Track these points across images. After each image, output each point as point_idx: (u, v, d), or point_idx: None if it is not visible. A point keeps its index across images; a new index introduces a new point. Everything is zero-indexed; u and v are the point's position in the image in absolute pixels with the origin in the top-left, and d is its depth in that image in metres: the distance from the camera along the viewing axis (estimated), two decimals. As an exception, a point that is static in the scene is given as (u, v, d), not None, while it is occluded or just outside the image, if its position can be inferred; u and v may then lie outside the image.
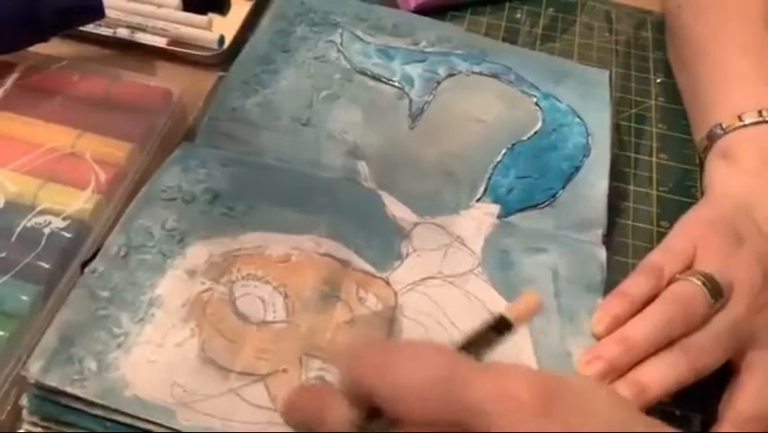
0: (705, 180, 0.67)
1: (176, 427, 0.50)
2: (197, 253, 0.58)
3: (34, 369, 0.51)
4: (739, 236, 0.58)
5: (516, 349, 0.56)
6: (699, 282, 0.54)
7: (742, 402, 0.54)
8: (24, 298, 0.55)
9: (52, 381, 0.51)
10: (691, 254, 0.57)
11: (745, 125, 0.66)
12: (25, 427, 0.52)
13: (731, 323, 0.54)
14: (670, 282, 0.56)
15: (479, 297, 0.58)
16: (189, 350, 0.53)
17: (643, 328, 0.53)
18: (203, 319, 0.55)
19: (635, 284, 0.57)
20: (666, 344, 0.53)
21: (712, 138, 0.67)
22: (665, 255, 0.58)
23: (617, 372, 0.53)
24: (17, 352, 0.53)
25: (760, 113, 0.65)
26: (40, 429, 0.52)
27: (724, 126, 0.67)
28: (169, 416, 0.50)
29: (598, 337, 0.55)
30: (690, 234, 0.59)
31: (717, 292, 0.54)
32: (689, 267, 0.57)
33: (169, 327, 0.54)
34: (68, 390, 0.50)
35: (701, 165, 0.71)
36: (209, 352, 0.53)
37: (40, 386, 0.51)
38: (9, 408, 0.53)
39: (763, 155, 0.64)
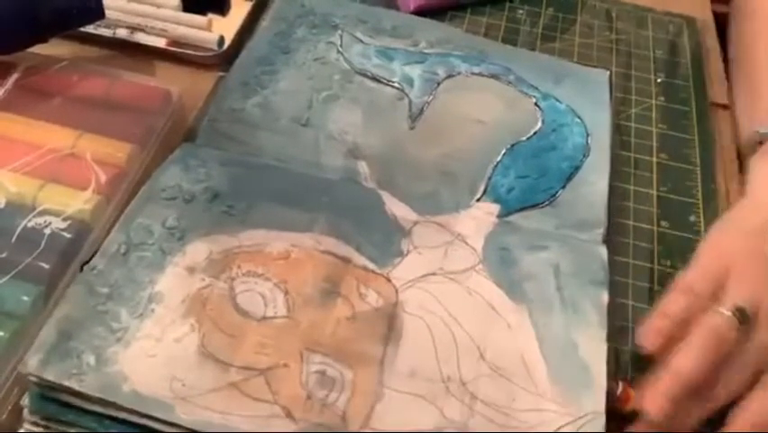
0: (747, 179, 0.67)
1: (174, 421, 0.50)
2: (197, 250, 0.58)
3: (33, 363, 0.51)
4: None
5: (518, 345, 0.56)
6: (729, 313, 0.55)
7: (750, 412, 0.55)
8: (25, 298, 0.55)
9: (50, 374, 0.51)
10: (724, 274, 0.58)
11: None
12: (26, 426, 0.52)
13: (759, 350, 0.56)
14: (702, 305, 0.57)
15: (480, 293, 0.58)
16: (189, 345, 0.53)
17: (688, 362, 0.54)
18: (203, 315, 0.55)
19: (674, 302, 0.58)
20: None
21: (759, 137, 0.67)
22: (699, 276, 0.59)
23: (677, 405, 0.53)
24: (18, 352, 0.53)
25: None
26: (40, 429, 0.52)
27: None
28: (167, 410, 0.50)
29: (648, 351, 0.56)
30: (723, 250, 0.60)
31: (745, 319, 0.55)
32: (721, 286, 0.57)
33: (168, 322, 0.54)
34: (67, 384, 0.50)
35: (701, 165, 0.72)
36: (209, 347, 0.53)
37: (38, 380, 0.51)
38: (10, 408, 0.53)
39: None
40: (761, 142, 0.68)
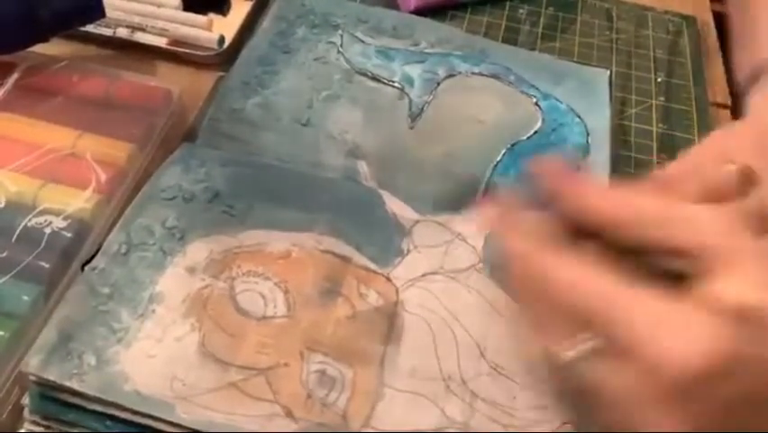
0: (748, 107, 0.67)
1: (175, 420, 0.50)
2: (198, 250, 0.58)
3: (33, 363, 0.51)
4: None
5: (519, 343, 0.56)
6: (732, 166, 0.52)
7: None
8: (25, 298, 0.55)
9: (51, 375, 0.51)
10: (725, 150, 0.57)
11: None
12: (26, 426, 0.52)
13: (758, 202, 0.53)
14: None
15: (481, 291, 0.58)
16: (189, 345, 0.53)
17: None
18: (203, 315, 0.55)
19: (674, 167, 0.57)
20: None
21: (760, 71, 0.67)
22: (701, 148, 0.59)
23: None
24: (18, 352, 0.53)
25: None
26: (41, 429, 0.52)
27: None
28: (168, 410, 0.50)
29: None
30: (725, 135, 0.60)
31: (748, 179, 0.52)
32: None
33: (169, 322, 0.54)
34: (68, 384, 0.50)
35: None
36: (209, 346, 0.53)
37: (39, 381, 0.51)
38: (10, 407, 0.53)
39: None
40: (758, 73, 0.68)
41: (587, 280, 0.41)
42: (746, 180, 0.51)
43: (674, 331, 0.38)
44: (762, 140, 0.58)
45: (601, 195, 0.45)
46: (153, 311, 0.55)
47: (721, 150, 0.58)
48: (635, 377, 0.39)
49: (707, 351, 0.37)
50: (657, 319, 0.39)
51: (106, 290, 0.55)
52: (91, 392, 0.50)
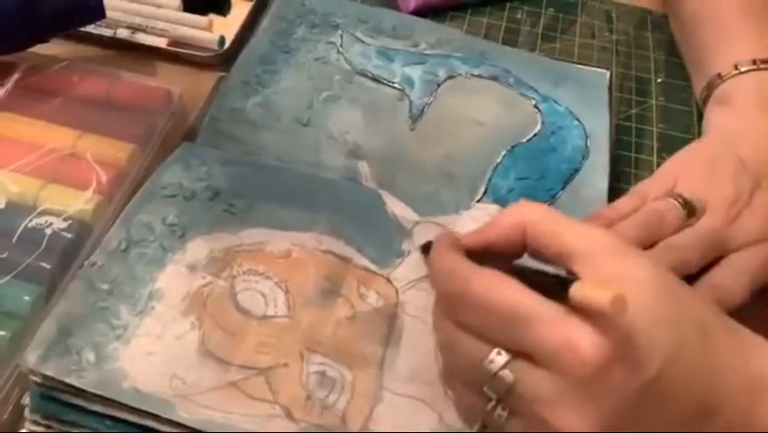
0: (703, 126, 0.71)
1: (176, 419, 0.50)
2: (198, 247, 0.58)
3: (32, 358, 0.51)
4: (717, 163, 0.63)
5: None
6: (673, 200, 0.60)
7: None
8: (26, 298, 0.55)
9: (49, 370, 0.51)
10: (674, 180, 0.63)
11: (741, 73, 0.69)
12: (27, 426, 0.52)
13: (707, 230, 0.59)
14: None
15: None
16: (189, 343, 0.53)
17: (620, 229, 0.58)
18: (203, 313, 0.55)
19: (624, 202, 0.62)
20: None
21: (711, 87, 0.71)
22: (652, 181, 0.64)
23: None
24: (19, 352, 0.53)
25: (754, 61, 0.69)
26: (41, 428, 0.52)
27: (722, 75, 0.70)
28: (168, 408, 0.50)
29: None
30: (677, 163, 0.65)
31: (690, 210, 0.59)
32: (671, 190, 0.62)
33: (168, 319, 0.54)
34: (66, 380, 0.50)
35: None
36: (209, 345, 0.53)
37: (38, 378, 0.51)
38: (11, 407, 0.53)
39: (755, 98, 0.68)
40: (710, 91, 0.71)
41: (508, 293, 0.43)
42: (689, 212, 0.59)
43: (572, 330, 0.40)
44: (711, 164, 0.63)
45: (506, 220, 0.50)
46: (153, 308, 0.55)
47: (669, 182, 0.63)
48: (549, 377, 0.41)
49: (596, 343, 0.40)
50: (558, 322, 0.41)
51: (105, 286, 0.55)
52: (90, 389, 0.50)
